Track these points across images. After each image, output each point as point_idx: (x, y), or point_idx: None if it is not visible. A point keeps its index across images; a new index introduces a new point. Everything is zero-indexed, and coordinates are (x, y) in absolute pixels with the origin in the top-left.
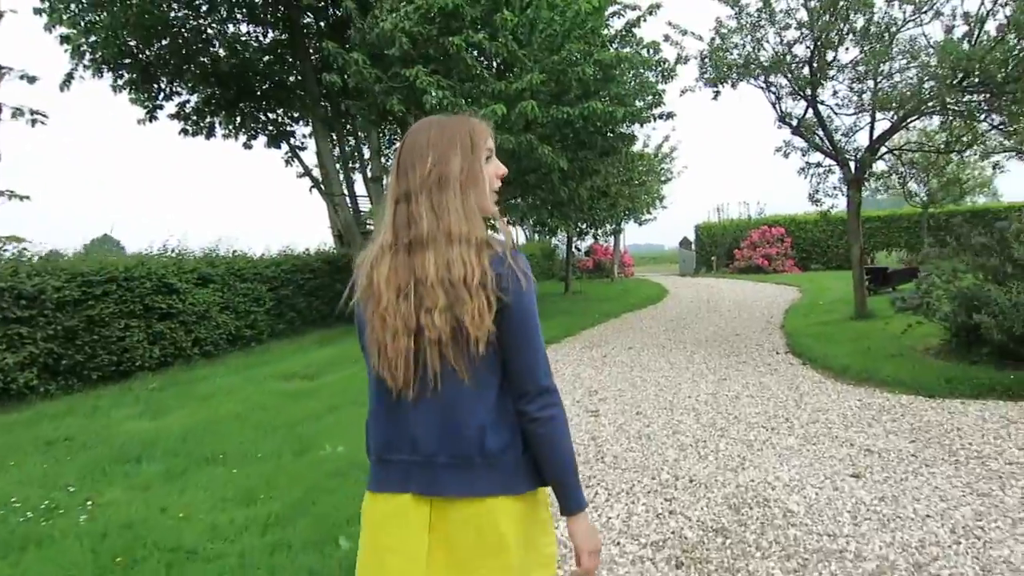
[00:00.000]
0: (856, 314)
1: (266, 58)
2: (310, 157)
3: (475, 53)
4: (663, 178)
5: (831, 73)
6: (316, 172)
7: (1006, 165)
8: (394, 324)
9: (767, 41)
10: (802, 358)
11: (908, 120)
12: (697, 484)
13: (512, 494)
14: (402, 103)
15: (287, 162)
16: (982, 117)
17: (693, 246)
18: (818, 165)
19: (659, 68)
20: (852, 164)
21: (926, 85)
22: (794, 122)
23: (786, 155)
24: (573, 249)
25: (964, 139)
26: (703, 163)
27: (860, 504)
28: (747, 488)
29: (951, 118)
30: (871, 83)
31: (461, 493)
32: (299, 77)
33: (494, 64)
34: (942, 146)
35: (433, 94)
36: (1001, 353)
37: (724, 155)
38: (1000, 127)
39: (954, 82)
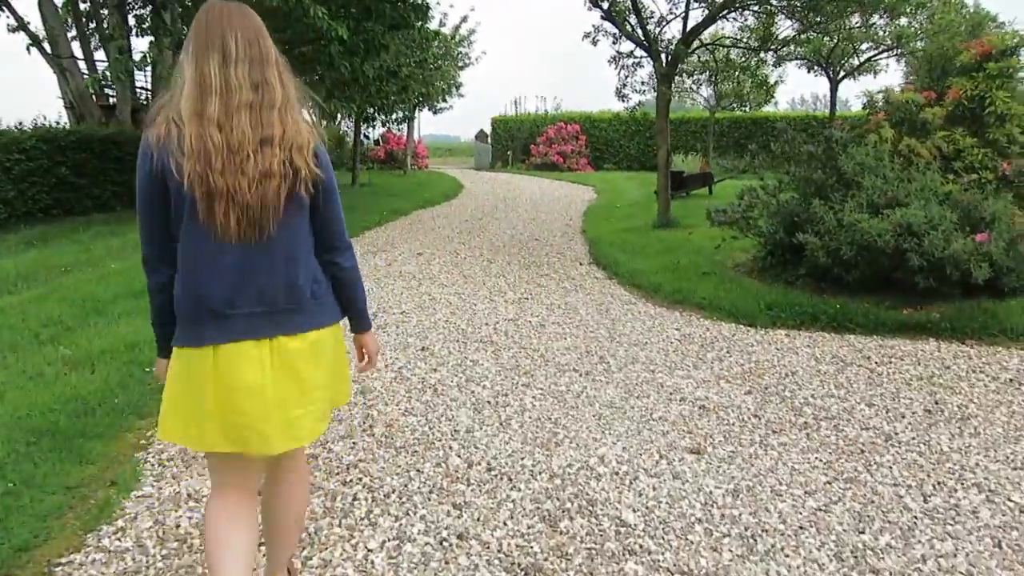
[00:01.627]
0: (659, 222)
1: None
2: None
3: None
4: (460, 63)
5: None
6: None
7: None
8: (247, 178)
9: None
10: (608, 272)
11: (725, 11)
12: (498, 475)
13: (332, 324)
14: None
15: None
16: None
17: (489, 139)
18: (629, 55)
19: None
20: (664, 57)
21: None
22: (605, 4)
23: (594, 42)
24: (362, 137)
25: (778, 39)
26: (501, 50)
27: (711, 504)
28: (564, 479)
29: (769, 13)
30: None
31: (304, 329)
32: None
33: None
34: (756, 43)
35: None
36: (819, 276)
37: (522, 42)
38: (813, 28)
39: None
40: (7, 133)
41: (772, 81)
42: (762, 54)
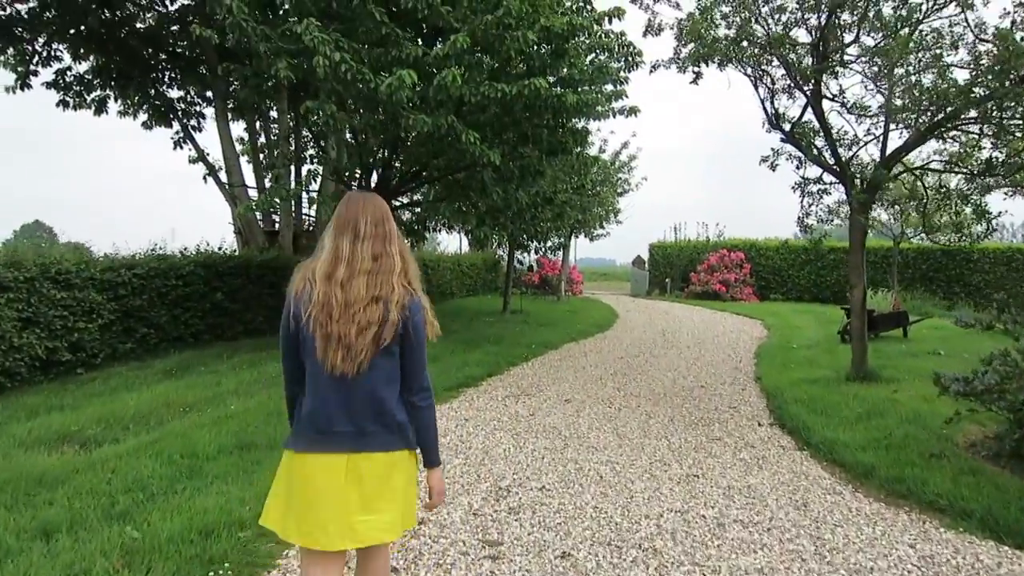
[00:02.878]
0: (854, 374)
1: (174, 27)
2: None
3: (385, 9)
4: (619, 190)
5: (844, 60)
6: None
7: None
8: (355, 327)
9: (761, 18)
10: (796, 439)
11: (940, 129)
12: None
13: (407, 449)
14: (290, 68)
15: (177, 144)
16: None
17: (647, 266)
18: (816, 181)
19: (622, 50)
20: (859, 182)
21: (976, 83)
22: (787, 125)
23: (773, 167)
24: (515, 263)
25: (1007, 160)
26: (662, 174)
27: None
28: None
29: (999, 128)
30: (892, 80)
31: (374, 450)
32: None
33: (410, 28)
34: (979, 167)
35: (328, 55)
36: None
37: (684, 166)
38: None
39: (1011, 81)
40: (168, 259)
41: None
42: (987, 178)
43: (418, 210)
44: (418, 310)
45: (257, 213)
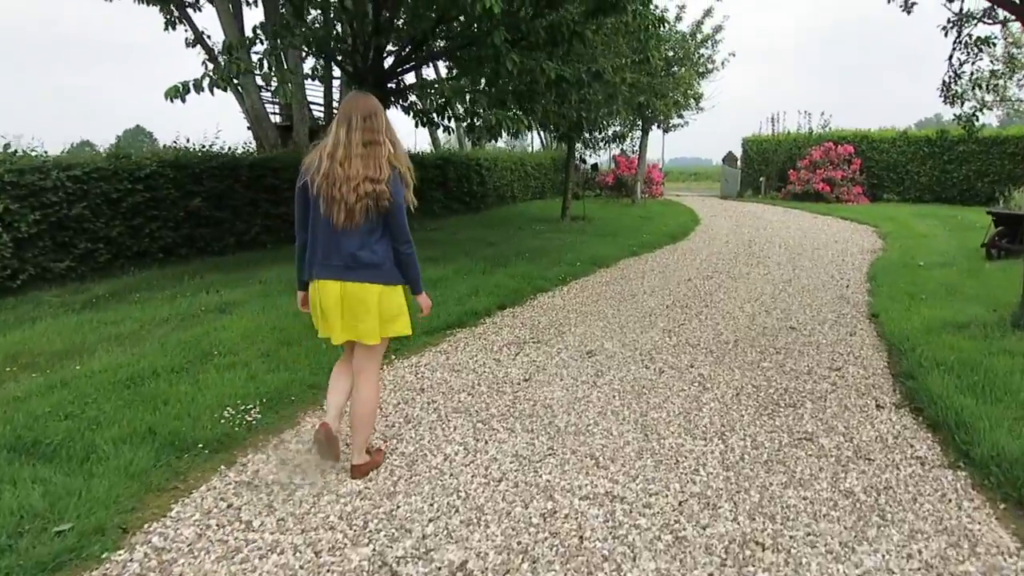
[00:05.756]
0: (1022, 316)
1: None
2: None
3: None
4: (701, 69)
5: None
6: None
7: None
8: (352, 195)
9: None
10: (940, 438)
11: None
12: None
13: (383, 283)
14: None
15: (169, 24)
16: None
17: (739, 163)
18: (982, 17)
19: None
20: None
21: None
22: None
23: (909, 7)
24: (576, 161)
25: None
26: (763, 60)
27: None
28: None
29: None
30: None
31: (362, 280)
32: None
33: None
34: None
35: None
36: None
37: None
38: None
39: None
40: (121, 159)
41: None
42: None
43: (432, 91)
44: (398, 183)
45: (272, 107)
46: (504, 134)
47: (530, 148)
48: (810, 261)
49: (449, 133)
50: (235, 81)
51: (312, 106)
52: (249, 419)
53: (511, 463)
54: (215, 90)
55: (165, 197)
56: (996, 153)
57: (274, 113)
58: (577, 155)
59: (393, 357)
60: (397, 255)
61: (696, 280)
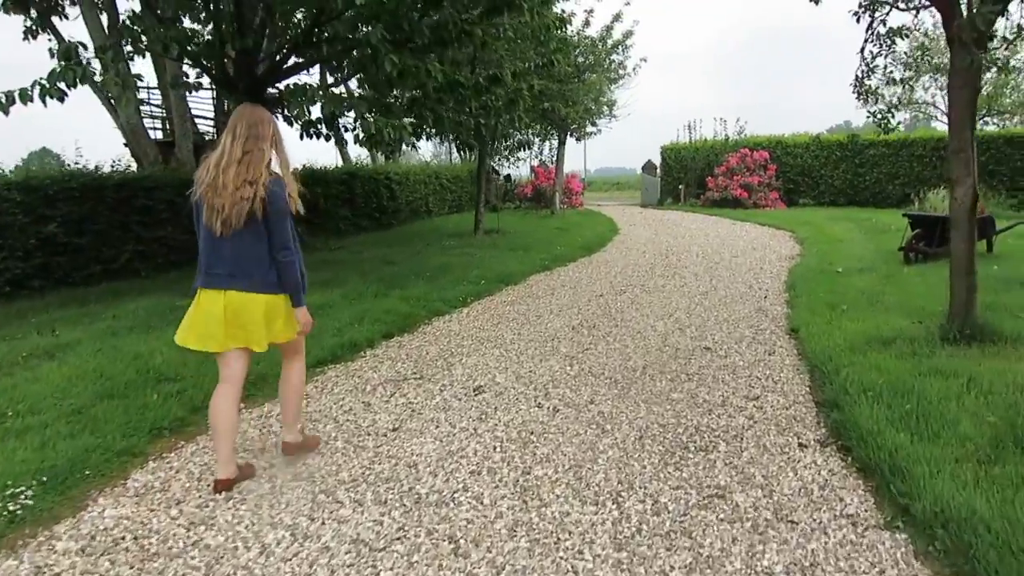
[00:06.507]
0: (956, 328)
1: None
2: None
3: None
4: (612, 75)
5: None
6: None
7: None
8: (228, 200)
9: None
10: (873, 485)
11: None
12: None
13: (267, 293)
14: None
15: (29, 32)
16: None
17: (658, 172)
18: (895, 4)
19: None
20: (965, 13)
21: None
22: None
23: None
24: (490, 173)
25: None
26: (679, 77)
27: None
28: None
29: None
30: None
31: (245, 290)
32: None
33: None
34: None
35: None
36: None
37: (702, 70)
38: None
39: None
40: None
41: None
42: None
43: (302, 99)
44: (277, 189)
45: (150, 121)
46: (390, 143)
47: (448, 160)
48: (727, 270)
49: (343, 146)
50: (69, 90)
51: (199, 120)
52: (14, 508)
53: (347, 554)
54: (47, 100)
55: (12, 223)
56: (905, 156)
57: (154, 128)
58: (490, 166)
59: (243, 406)
60: (275, 263)
61: (608, 296)
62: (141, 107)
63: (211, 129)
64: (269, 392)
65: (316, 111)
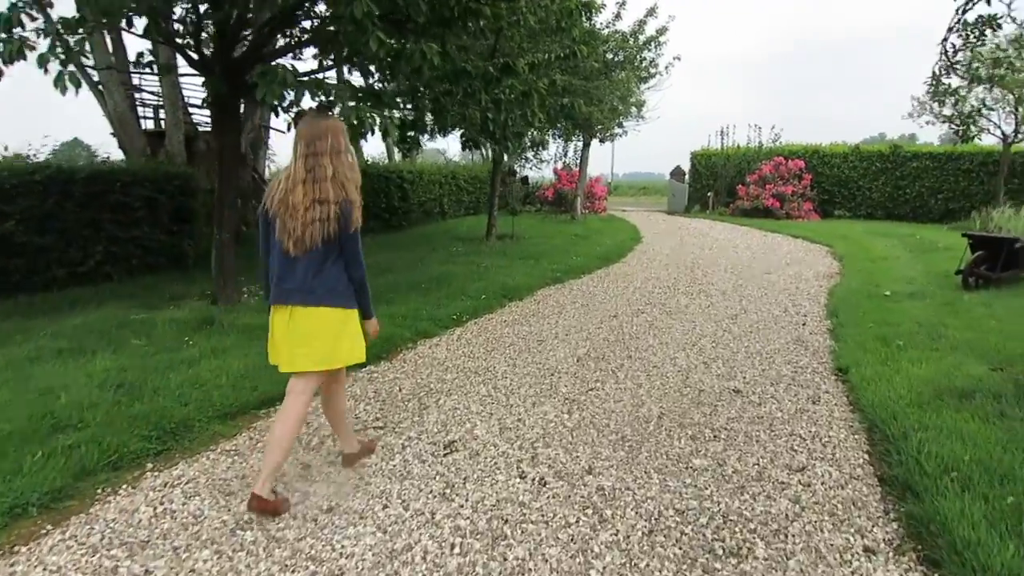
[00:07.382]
0: None
1: None
2: None
3: None
4: (642, 74)
5: None
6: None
7: None
8: (300, 222)
9: None
10: None
11: None
12: None
13: (340, 307)
14: None
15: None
16: None
17: (687, 178)
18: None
19: None
20: None
21: None
22: None
23: None
24: (507, 174)
25: None
26: (712, 77)
27: None
28: None
29: None
30: None
31: (308, 305)
32: None
33: None
34: None
35: None
36: None
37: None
38: None
39: None
40: None
41: None
42: None
43: (275, 84)
44: (349, 209)
45: (142, 109)
46: (376, 134)
47: (472, 159)
48: (759, 289)
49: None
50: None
51: (194, 112)
52: None
53: None
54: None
55: None
56: (951, 169)
57: (146, 117)
58: (508, 167)
59: (128, 478)
60: (350, 280)
61: (623, 317)
62: (136, 94)
63: (207, 120)
64: (200, 441)
65: (291, 97)
